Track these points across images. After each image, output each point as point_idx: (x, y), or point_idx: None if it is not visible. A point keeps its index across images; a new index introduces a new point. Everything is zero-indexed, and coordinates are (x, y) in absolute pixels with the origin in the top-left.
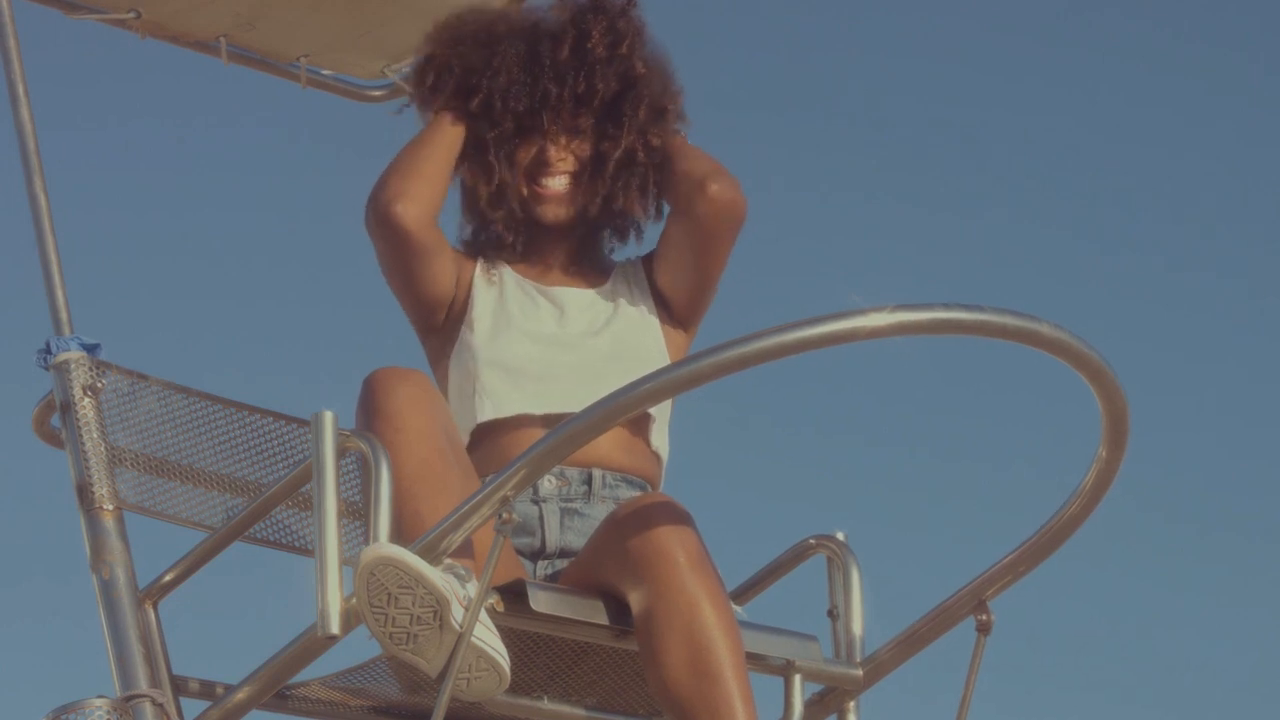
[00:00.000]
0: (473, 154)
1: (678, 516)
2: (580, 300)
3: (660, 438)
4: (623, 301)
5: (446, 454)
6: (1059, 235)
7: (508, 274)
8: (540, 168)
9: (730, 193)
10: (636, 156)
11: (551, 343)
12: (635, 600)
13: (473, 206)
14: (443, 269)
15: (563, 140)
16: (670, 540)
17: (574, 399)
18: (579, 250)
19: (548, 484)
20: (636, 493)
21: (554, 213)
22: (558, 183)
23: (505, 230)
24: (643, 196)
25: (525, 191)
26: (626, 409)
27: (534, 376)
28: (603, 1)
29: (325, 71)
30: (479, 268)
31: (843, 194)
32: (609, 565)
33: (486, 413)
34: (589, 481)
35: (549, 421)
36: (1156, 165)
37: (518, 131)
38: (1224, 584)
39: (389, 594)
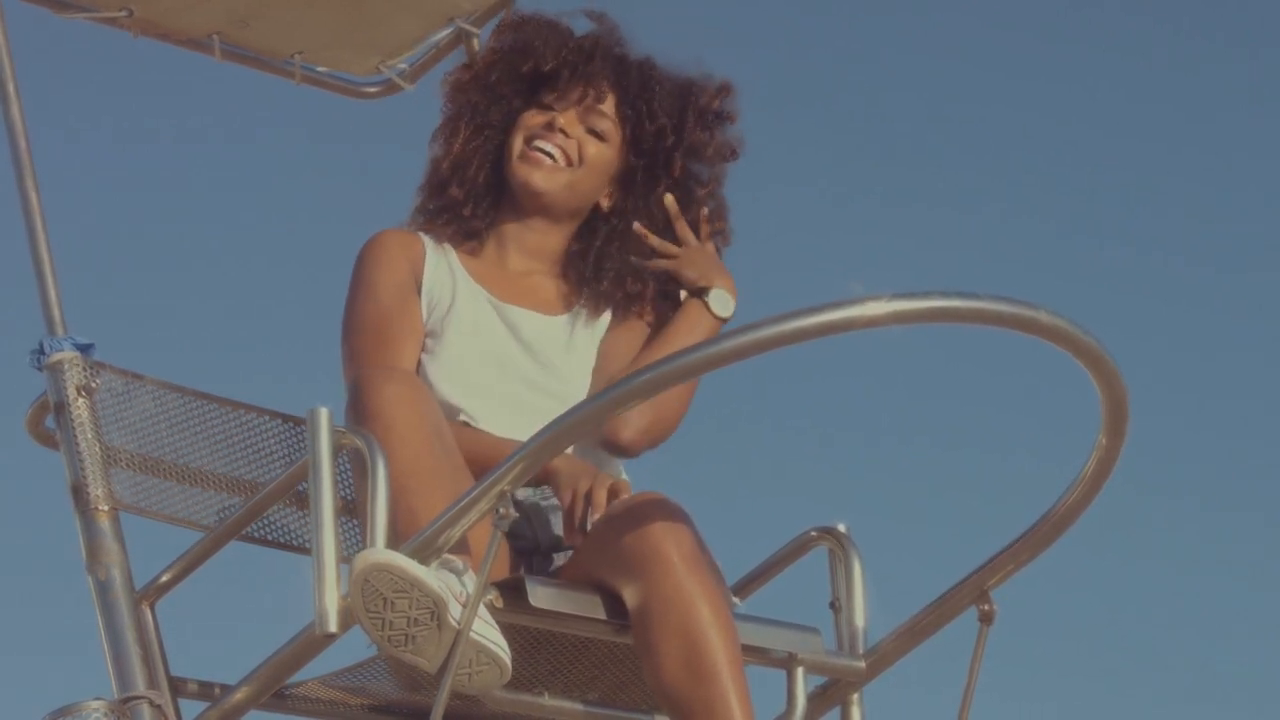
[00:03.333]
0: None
1: (672, 513)
2: (535, 326)
3: (615, 470)
4: (582, 338)
5: (437, 450)
6: (1058, 230)
7: (461, 279)
8: (543, 132)
9: (637, 446)
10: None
11: (506, 373)
12: (630, 598)
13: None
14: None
15: (579, 127)
16: (664, 538)
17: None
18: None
19: (520, 490)
20: (613, 463)
21: (526, 175)
22: (549, 147)
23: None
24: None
25: (517, 149)
26: (629, 397)
27: (490, 396)
28: (726, 112)
29: (320, 68)
30: (428, 266)
31: (841, 190)
32: (604, 563)
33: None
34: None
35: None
36: (1156, 161)
37: (544, 91)
38: (1224, 578)
39: (384, 599)
